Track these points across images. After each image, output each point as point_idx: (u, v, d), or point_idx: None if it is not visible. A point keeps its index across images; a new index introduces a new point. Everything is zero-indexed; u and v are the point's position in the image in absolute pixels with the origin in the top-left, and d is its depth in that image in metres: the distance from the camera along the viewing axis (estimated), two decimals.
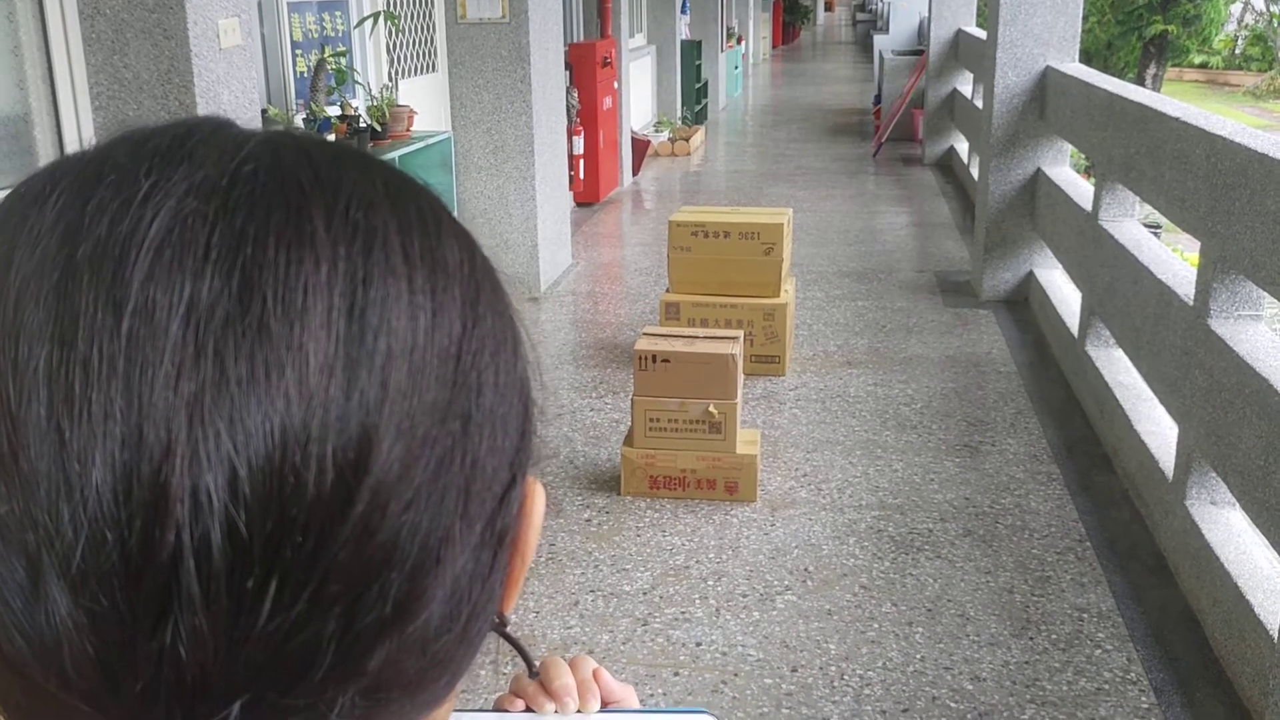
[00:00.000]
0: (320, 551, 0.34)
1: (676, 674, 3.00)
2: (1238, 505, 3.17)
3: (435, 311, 0.38)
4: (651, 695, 2.90)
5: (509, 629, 0.48)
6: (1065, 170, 6.06)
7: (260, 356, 0.34)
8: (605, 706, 0.65)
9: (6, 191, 0.40)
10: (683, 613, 3.28)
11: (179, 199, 0.35)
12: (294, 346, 0.34)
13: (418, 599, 0.37)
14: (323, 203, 0.37)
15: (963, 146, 9.93)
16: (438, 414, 0.37)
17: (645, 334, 4.16)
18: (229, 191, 0.36)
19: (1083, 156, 6.86)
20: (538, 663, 0.63)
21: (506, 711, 0.67)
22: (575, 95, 8.36)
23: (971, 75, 9.62)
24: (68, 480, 0.32)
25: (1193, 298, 3.54)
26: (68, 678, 0.33)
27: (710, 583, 3.44)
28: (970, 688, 2.94)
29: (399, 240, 0.38)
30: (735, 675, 3.00)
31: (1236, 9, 26.44)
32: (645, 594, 3.37)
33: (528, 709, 0.64)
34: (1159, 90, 18.58)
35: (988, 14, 6.38)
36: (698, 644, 3.13)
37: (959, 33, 10.31)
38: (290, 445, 0.33)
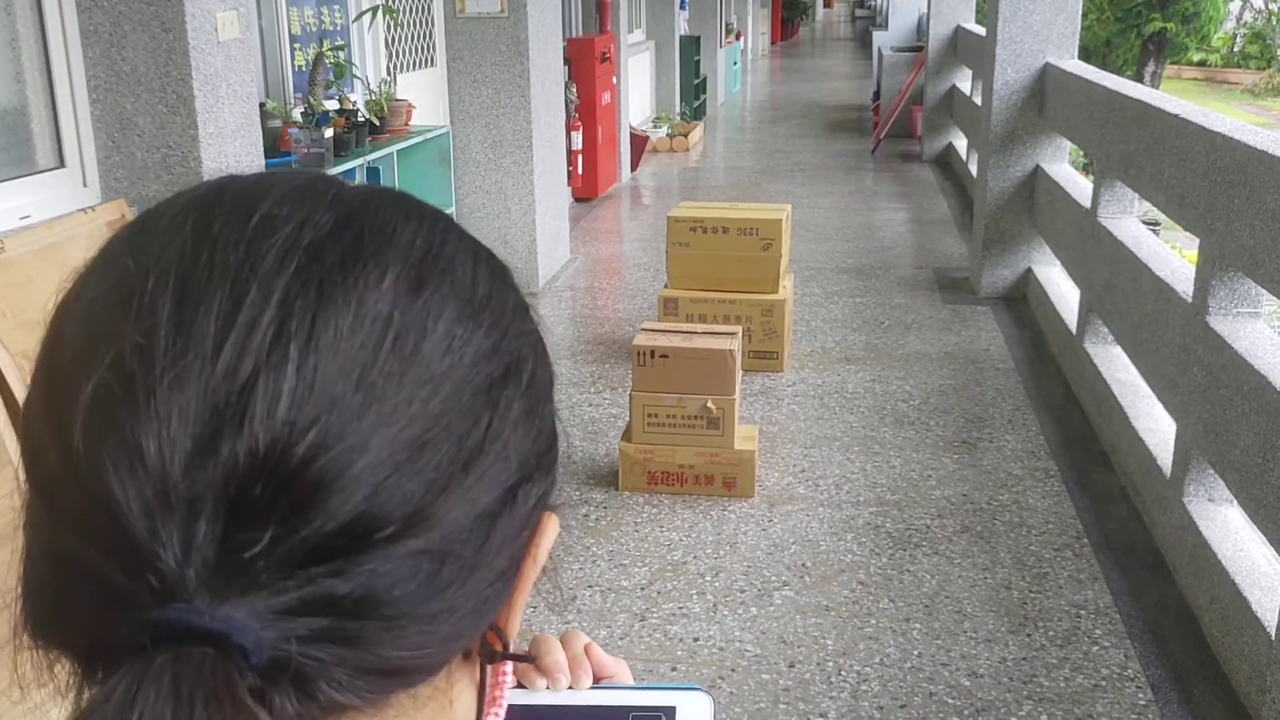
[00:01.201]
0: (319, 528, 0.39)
1: (674, 669, 3.00)
2: (1235, 502, 3.17)
3: (470, 336, 0.45)
4: None
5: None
6: (1064, 167, 6.05)
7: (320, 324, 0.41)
8: (598, 682, 0.65)
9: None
10: (680, 608, 3.28)
11: (294, 225, 0.43)
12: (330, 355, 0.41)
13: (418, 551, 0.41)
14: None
15: (961, 143, 9.93)
16: (457, 411, 0.43)
17: (644, 329, 4.16)
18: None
19: (1081, 154, 6.85)
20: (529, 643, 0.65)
21: None
22: (574, 90, 8.35)
23: (970, 72, 9.62)
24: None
25: (1191, 295, 3.54)
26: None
27: (708, 578, 3.44)
28: (968, 684, 2.94)
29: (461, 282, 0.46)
30: (732, 670, 3.00)
31: (1235, 7, 26.43)
32: (643, 589, 3.37)
33: (519, 685, 0.64)
34: (1158, 88, 18.57)
35: (987, 10, 6.37)
36: (695, 639, 3.13)
37: (958, 29, 10.30)
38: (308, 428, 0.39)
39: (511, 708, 0.66)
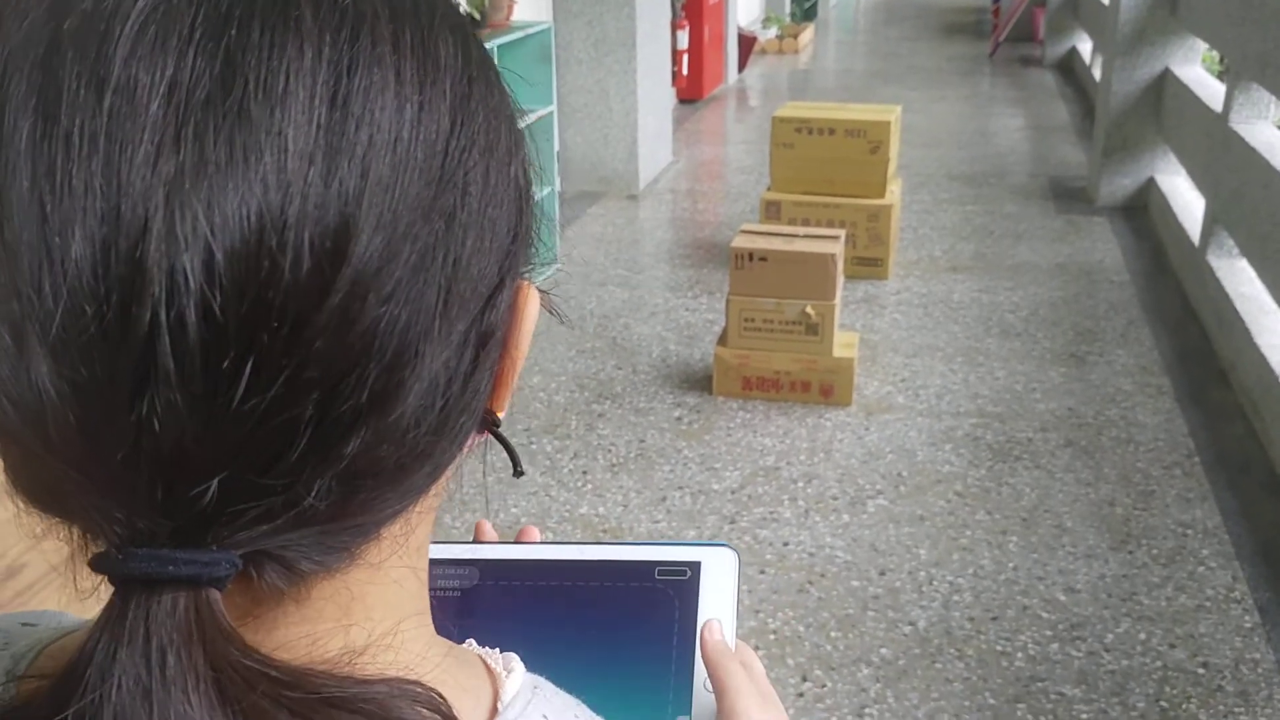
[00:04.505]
0: (296, 337, 0.34)
1: (762, 572, 2.98)
2: None
3: (423, 105, 0.38)
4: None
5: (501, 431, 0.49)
6: (1196, 70, 5.73)
7: (239, 140, 0.34)
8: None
9: None
10: (771, 513, 3.25)
11: None
12: (274, 131, 0.34)
13: (395, 391, 0.37)
14: None
15: (1086, 46, 9.47)
16: (420, 209, 0.37)
17: (743, 231, 4.07)
18: None
19: (1217, 59, 6.49)
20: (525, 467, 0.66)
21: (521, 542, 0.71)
22: None
23: None
24: (49, 252, 0.33)
25: None
26: (52, 442, 0.35)
27: (800, 484, 3.40)
28: (1063, 599, 2.87)
29: (389, 29, 0.38)
30: (822, 576, 2.97)
31: None
32: (734, 493, 3.35)
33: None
34: None
35: None
36: (785, 544, 3.11)
37: None
38: (267, 230, 0.33)
39: (539, 561, 0.66)
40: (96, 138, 0.33)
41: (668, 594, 0.66)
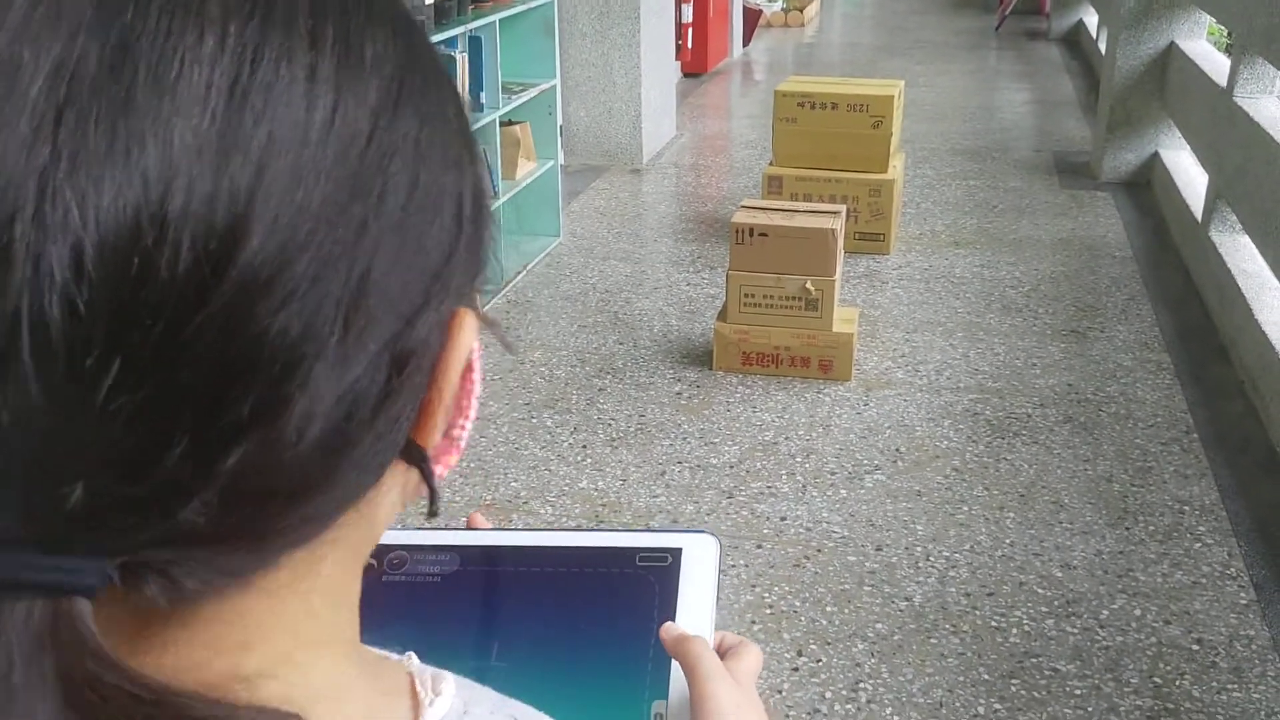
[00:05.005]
0: (171, 339, 0.32)
1: (759, 546, 3.00)
2: None
3: (337, 105, 0.35)
4: (734, 566, 2.90)
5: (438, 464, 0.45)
6: (1201, 44, 5.69)
7: (123, 129, 0.32)
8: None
9: None
10: (769, 487, 3.26)
11: None
12: (161, 120, 0.32)
13: (281, 407, 0.34)
14: None
15: (1092, 20, 9.40)
16: (324, 216, 0.34)
17: (743, 207, 4.07)
18: None
19: (1224, 33, 6.44)
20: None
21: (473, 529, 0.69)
22: None
23: None
24: None
25: None
26: None
27: (799, 459, 3.41)
28: (1060, 575, 2.88)
29: (308, 23, 0.35)
30: (819, 551, 2.98)
31: None
32: (732, 467, 3.36)
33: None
34: None
35: None
36: (782, 518, 3.12)
37: None
38: (144, 226, 0.31)
39: (520, 548, 0.67)
40: None
41: (648, 580, 0.66)
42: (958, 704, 2.47)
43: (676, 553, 0.67)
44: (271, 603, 0.40)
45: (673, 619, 0.65)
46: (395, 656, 0.49)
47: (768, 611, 2.75)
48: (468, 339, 0.42)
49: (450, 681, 0.48)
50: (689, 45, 8.44)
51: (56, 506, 0.33)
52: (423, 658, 0.50)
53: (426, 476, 0.43)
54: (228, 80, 0.33)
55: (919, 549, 2.99)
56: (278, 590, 0.40)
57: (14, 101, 0.31)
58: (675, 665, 0.64)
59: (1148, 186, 5.89)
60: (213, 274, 0.32)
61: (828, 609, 2.76)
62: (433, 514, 0.45)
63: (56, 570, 0.34)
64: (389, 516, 0.45)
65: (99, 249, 0.31)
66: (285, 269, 0.34)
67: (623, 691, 0.64)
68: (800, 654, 2.62)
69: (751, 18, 10.03)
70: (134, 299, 0.32)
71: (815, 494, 3.23)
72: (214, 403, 0.33)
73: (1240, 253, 4.29)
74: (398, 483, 0.44)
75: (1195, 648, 2.63)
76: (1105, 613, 2.75)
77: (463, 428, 0.47)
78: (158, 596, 0.36)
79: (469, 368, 0.45)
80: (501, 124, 4.61)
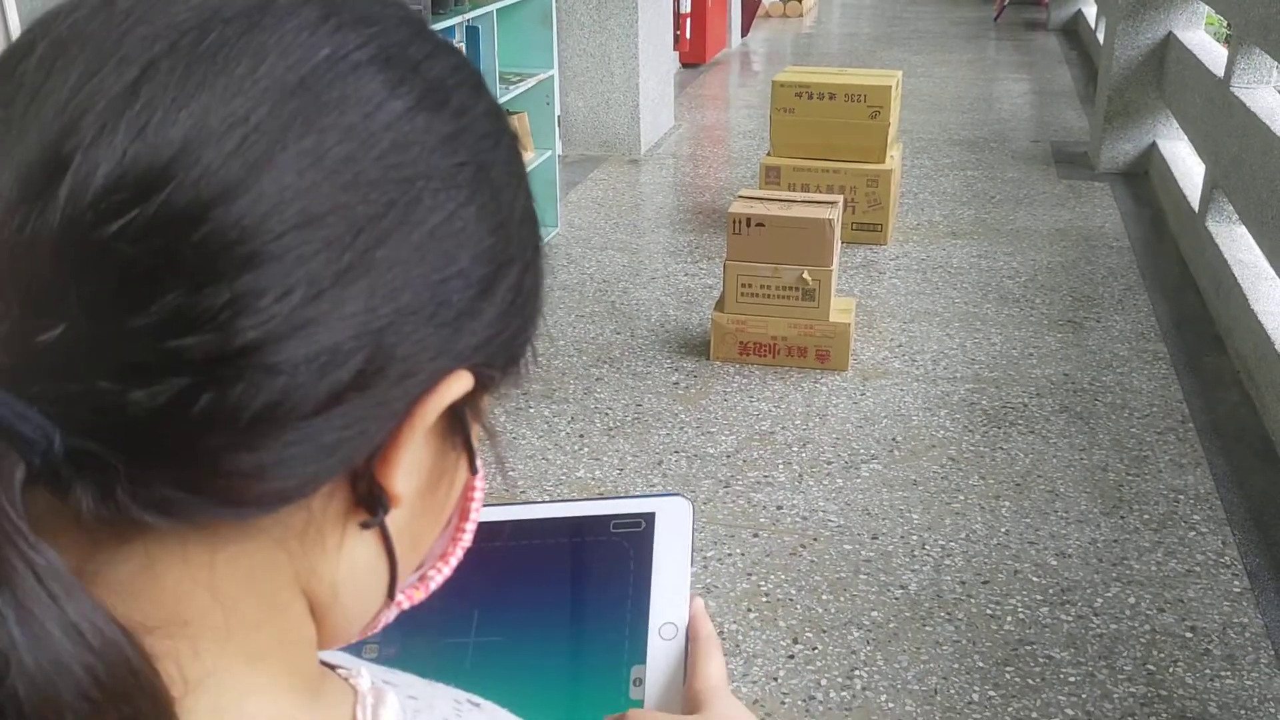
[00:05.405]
0: (159, 270, 0.35)
1: (755, 535, 3.01)
2: None
3: (407, 113, 0.41)
4: (730, 554, 2.92)
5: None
6: (1199, 34, 5.69)
7: (194, 78, 0.37)
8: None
9: None
10: (765, 476, 3.27)
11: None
12: (216, 96, 0.37)
13: (247, 314, 0.36)
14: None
15: (1091, 10, 9.39)
16: (327, 211, 0.38)
17: (740, 197, 4.07)
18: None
19: (1224, 24, 6.44)
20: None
21: None
22: None
23: None
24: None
25: None
26: None
27: (795, 449, 3.42)
28: (1054, 563, 2.89)
29: (429, 64, 0.42)
30: (814, 540, 2.99)
31: None
32: (729, 457, 3.37)
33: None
34: None
35: None
36: (778, 507, 3.13)
37: None
38: (173, 164, 0.36)
39: (497, 523, 0.67)
40: (75, 46, 0.38)
41: (623, 546, 0.67)
42: (952, 691, 2.49)
43: (650, 518, 0.68)
44: (194, 578, 0.40)
45: (648, 583, 0.66)
46: (346, 670, 0.48)
47: (764, 599, 2.77)
48: (453, 393, 0.42)
49: (391, 702, 0.46)
50: (687, 35, 8.42)
51: (30, 339, 0.35)
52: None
53: (380, 523, 0.43)
54: (299, 72, 0.38)
55: (914, 537, 3.00)
56: (202, 566, 0.40)
57: (119, 40, 0.37)
58: (652, 631, 0.65)
59: (1145, 177, 5.89)
60: (206, 220, 0.36)
61: (823, 597, 2.78)
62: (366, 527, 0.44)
63: (5, 405, 0.34)
64: (350, 587, 0.44)
65: (133, 162, 0.35)
66: (285, 255, 0.37)
67: (602, 658, 0.65)
68: (796, 641, 2.63)
69: (750, 7, 10.02)
70: (141, 219, 0.36)
71: (812, 483, 3.24)
72: (192, 286, 0.35)
73: (1237, 243, 4.29)
74: (358, 545, 0.43)
75: (1189, 635, 2.65)
76: (1099, 600, 2.76)
77: (439, 570, 0.48)
78: (85, 500, 0.36)
79: (464, 515, 0.47)
80: None
